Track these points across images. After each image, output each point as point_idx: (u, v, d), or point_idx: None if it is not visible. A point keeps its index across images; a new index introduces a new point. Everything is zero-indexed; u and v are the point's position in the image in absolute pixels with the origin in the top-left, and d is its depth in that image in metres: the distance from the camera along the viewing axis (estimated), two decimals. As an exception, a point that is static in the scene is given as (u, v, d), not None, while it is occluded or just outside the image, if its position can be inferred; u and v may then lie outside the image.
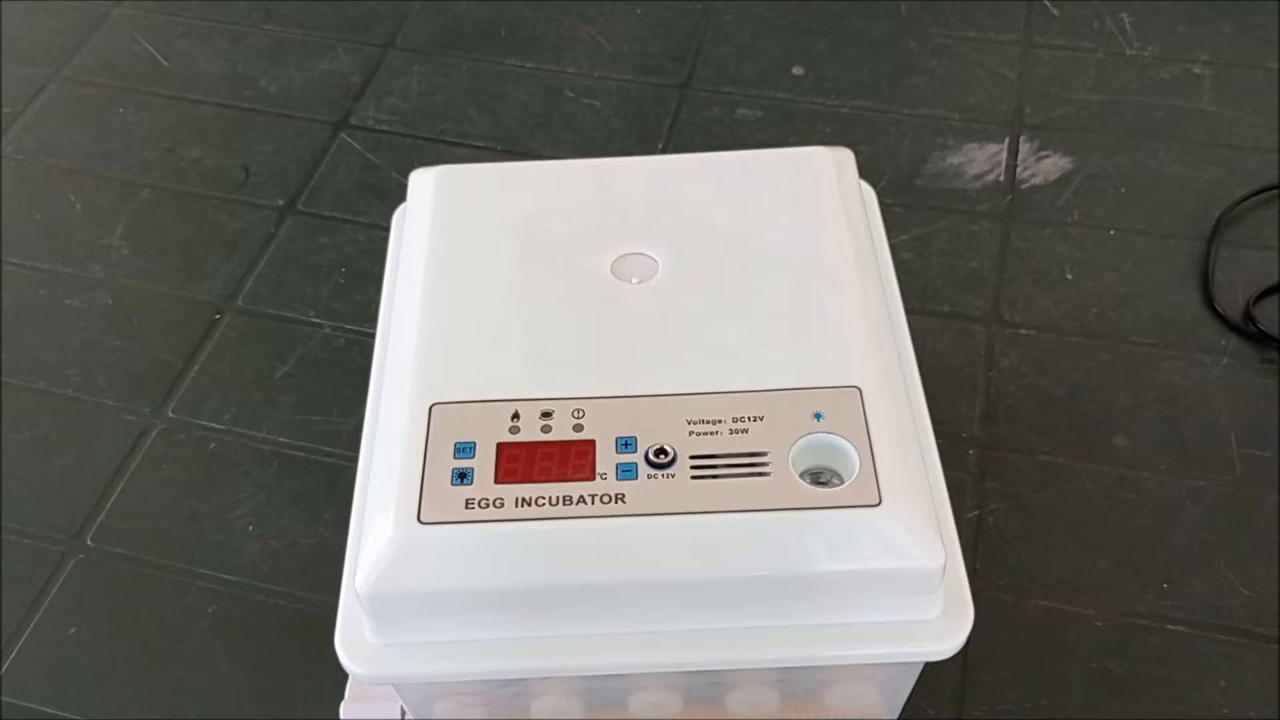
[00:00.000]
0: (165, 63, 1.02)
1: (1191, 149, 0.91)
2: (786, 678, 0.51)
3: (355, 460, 0.52)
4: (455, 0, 1.07)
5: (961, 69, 0.98)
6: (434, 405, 0.48)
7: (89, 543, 0.71)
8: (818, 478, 0.46)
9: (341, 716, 0.55)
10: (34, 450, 0.75)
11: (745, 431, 0.47)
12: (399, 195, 0.61)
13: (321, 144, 0.95)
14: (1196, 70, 0.97)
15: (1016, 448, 0.73)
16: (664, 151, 0.93)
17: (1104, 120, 0.93)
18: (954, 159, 0.91)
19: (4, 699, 0.64)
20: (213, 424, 0.76)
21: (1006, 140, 0.92)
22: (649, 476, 0.46)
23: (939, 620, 0.47)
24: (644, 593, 0.45)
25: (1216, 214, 0.85)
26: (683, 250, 0.55)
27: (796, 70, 0.99)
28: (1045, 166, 0.90)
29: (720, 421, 0.47)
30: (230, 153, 0.95)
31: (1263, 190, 0.87)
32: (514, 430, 0.47)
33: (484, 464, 0.46)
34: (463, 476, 0.46)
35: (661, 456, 0.46)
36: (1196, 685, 0.63)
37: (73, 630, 0.67)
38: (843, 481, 0.46)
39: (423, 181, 0.59)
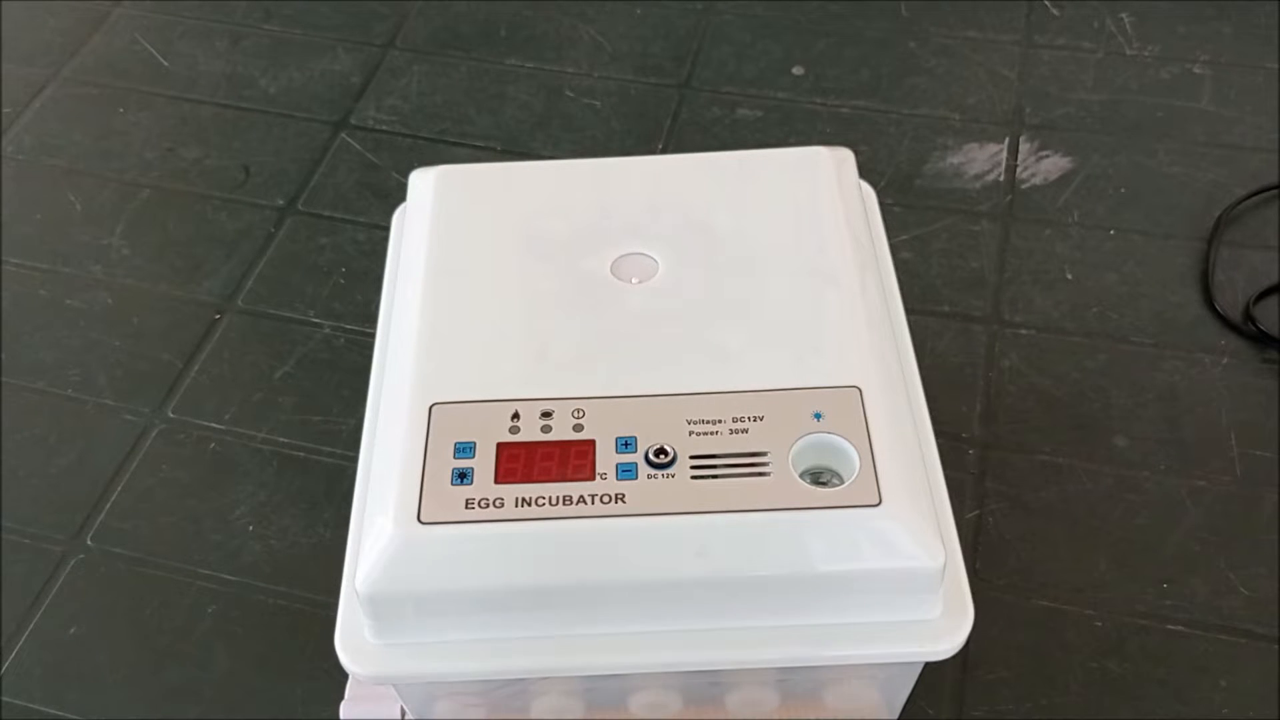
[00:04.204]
0: (165, 63, 1.03)
1: (1191, 149, 0.91)
2: (786, 678, 0.51)
3: (355, 460, 0.52)
4: (455, 0, 1.07)
5: (961, 69, 0.98)
6: (434, 405, 0.48)
7: (89, 543, 0.71)
8: (818, 478, 0.46)
9: (341, 716, 0.55)
10: (34, 450, 0.75)
11: (745, 431, 0.47)
12: (399, 195, 0.61)
13: (321, 144, 0.95)
14: (1196, 70, 0.97)
15: (1016, 448, 0.73)
16: (664, 151, 0.93)
17: (1104, 120, 0.93)
18: (954, 159, 0.91)
19: (4, 699, 0.64)
20: (213, 424, 0.76)
21: (1006, 140, 0.92)
22: (649, 476, 0.46)
23: (939, 620, 0.47)
24: (644, 593, 0.45)
25: (1216, 214, 0.85)
26: (683, 250, 0.55)
27: (796, 70, 0.99)
28: (1045, 166, 0.90)
29: (720, 421, 0.47)
30: (230, 153, 0.95)
31: (1263, 190, 0.87)
32: (514, 430, 0.47)
33: (484, 464, 0.46)
34: (463, 476, 0.46)
35: (661, 456, 0.46)
36: (1196, 685, 0.63)
37: (73, 630, 0.67)
38: (843, 481, 0.46)
39: (423, 181, 0.59)
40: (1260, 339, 0.78)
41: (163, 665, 0.66)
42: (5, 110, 0.99)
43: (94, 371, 0.80)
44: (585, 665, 0.47)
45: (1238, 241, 0.84)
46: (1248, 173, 0.88)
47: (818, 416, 0.47)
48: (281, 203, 0.91)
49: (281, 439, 0.75)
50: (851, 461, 0.46)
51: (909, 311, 0.57)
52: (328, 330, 0.82)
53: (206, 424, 0.76)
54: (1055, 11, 1.03)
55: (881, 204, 0.62)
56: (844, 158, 0.60)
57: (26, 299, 0.84)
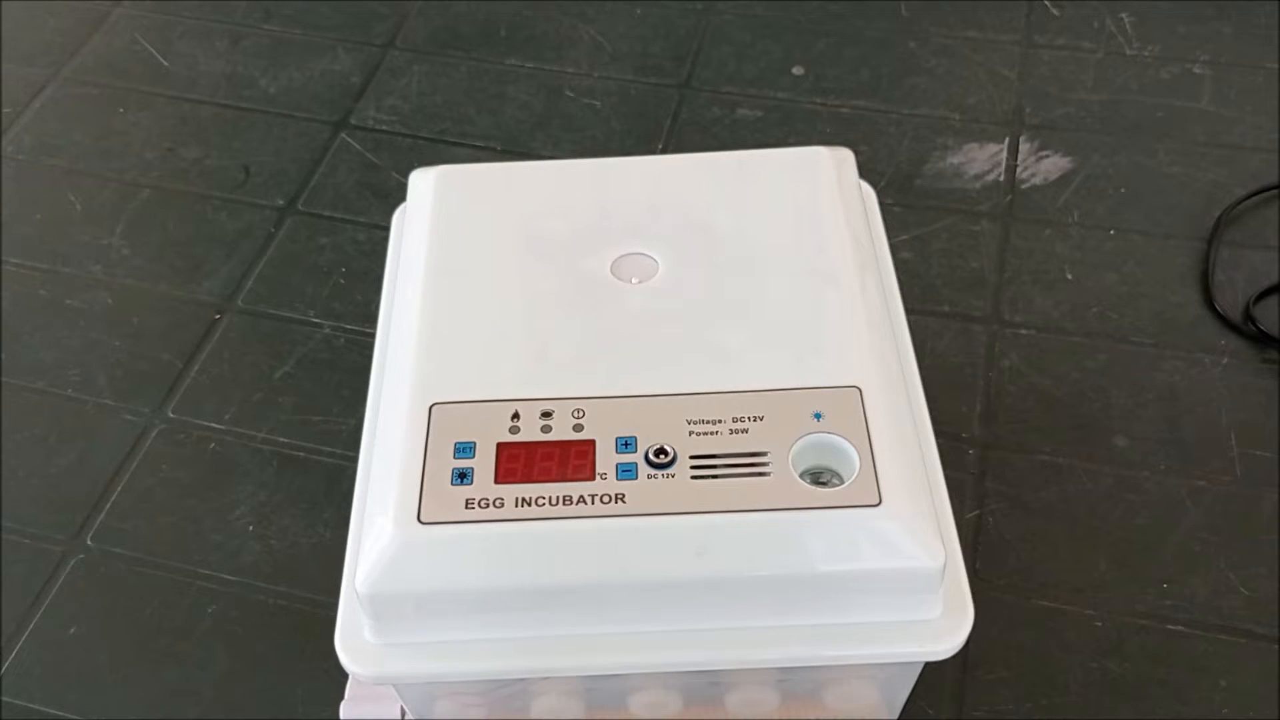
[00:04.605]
0: (165, 63, 1.03)
1: (1191, 149, 0.91)
2: (786, 678, 0.51)
3: (355, 460, 0.52)
4: (455, 0, 1.07)
5: (961, 69, 0.98)
6: (434, 405, 0.48)
7: (89, 543, 0.71)
8: (818, 478, 0.46)
9: (341, 716, 0.55)
10: (34, 450, 0.75)
11: (745, 431, 0.47)
12: (399, 195, 0.61)
13: (321, 144, 0.95)
14: (1196, 70, 0.97)
15: (1016, 448, 0.73)
16: (664, 151, 0.93)
17: (1104, 120, 0.93)
18: (954, 159, 0.91)
19: (4, 699, 0.64)
20: (213, 424, 0.76)
21: (1006, 140, 0.92)
22: (649, 476, 0.46)
23: (939, 620, 0.47)
24: (644, 593, 0.45)
25: (1216, 214, 0.85)
26: (683, 250, 0.55)
27: (796, 70, 0.99)
28: (1045, 166, 0.90)
29: (720, 421, 0.47)
30: (230, 153, 0.95)
31: (1263, 190, 0.87)
32: (514, 430, 0.47)
33: (484, 464, 0.46)
34: (463, 476, 0.46)
35: (661, 456, 0.46)
36: (1196, 685, 0.63)
37: (73, 630, 0.67)
38: (843, 481, 0.46)
39: (423, 181, 0.59)
40: (1260, 339, 0.78)
41: (163, 665, 0.66)
42: (5, 110, 0.99)
43: (94, 371, 0.80)
44: (585, 665, 0.47)
45: (1238, 241, 0.84)
46: (1248, 173, 0.88)
47: (818, 416, 0.47)
48: (281, 203, 0.91)
49: (281, 439, 0.75)
50: (851, 461, 0.46)
51: (909, 311, 0.57)
52: (328, 330, 0.82)
53: (206, 424, 0.76)
54: (1055, 11, 1.03)
55: (881, 204, 0.62)
56: (844, 158, 0.60)
57: (26, 299, 0.84)
